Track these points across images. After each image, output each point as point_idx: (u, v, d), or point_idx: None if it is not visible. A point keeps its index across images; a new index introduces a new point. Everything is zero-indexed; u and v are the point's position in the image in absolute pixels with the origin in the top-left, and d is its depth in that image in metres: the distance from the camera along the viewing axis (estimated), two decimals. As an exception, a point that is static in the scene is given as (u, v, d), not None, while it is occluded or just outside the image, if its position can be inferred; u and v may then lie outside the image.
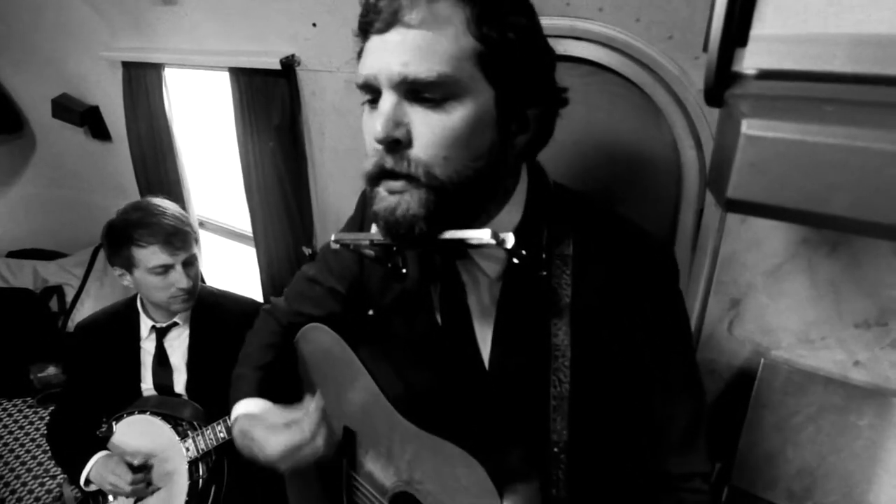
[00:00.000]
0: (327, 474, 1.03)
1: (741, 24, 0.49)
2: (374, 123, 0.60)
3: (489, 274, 0.76)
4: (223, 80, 1.80)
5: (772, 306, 1.02)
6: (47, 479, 1.96)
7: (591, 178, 1.13)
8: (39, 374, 2.42)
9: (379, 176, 0.63)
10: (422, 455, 0.82)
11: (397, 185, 0.62)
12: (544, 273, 0.72)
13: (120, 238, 1.43)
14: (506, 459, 0.72)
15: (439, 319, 0.83)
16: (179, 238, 1.43)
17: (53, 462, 1.85)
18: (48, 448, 1.95)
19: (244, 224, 2.08)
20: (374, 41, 0.61)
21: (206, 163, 2.44)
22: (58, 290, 2.61)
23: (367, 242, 0.72)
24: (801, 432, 1.02)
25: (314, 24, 1.42)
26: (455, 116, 0.60)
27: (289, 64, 1.56)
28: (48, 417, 1.68)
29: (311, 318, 1.01)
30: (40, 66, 2.53)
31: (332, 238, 0.76)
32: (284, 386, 1.04)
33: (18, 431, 2.22)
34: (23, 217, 3.08)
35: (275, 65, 1.54)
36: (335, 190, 1.74)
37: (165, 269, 1.44)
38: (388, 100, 0.60)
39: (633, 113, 1.04)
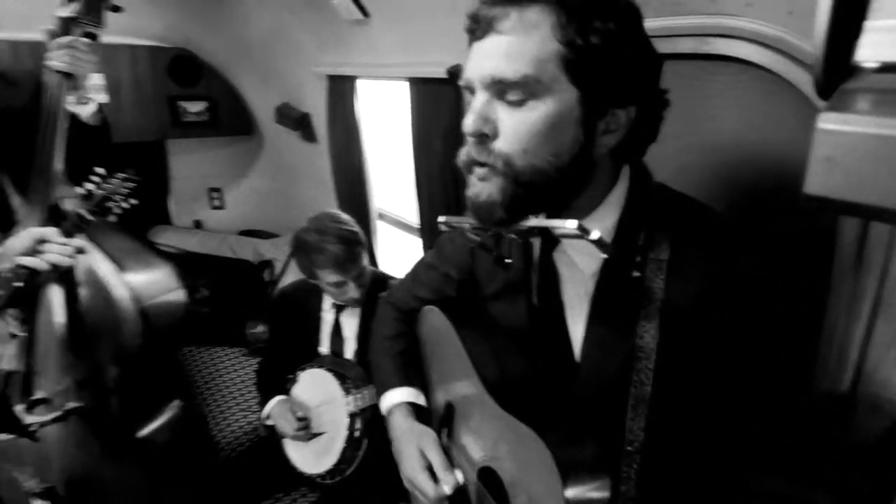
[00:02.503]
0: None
1: (854, 13, 0.46)
2: (467, 119, 0.69)
3: (583, 269, 0.80)
4: (402, 89, 2.04)
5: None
6: (249, 414, 2.42)
7: (740, 182, 1.07)
8: (251, 331, 2.89)
9: (469, 164, 0.71)
10: (504, 435, 0.88)
11: (482, 172, 0.69)
12: (637, 275, 0.74)
13: (303, 255, 1.73)
14: (579, 451, 0.75)
15: (536, 308, 0.88)
16: (349, 262, 1.68)
17: (256, 401, 2.28)
18: (253, 389, 2.41)
19: (414, 217, 2.31)
20: (474, 48, 0.70)
21: (385, 162, 2.73)
22: (269, 264, 3.15)
23: (468, 226, 0.80)
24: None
25: (477, 36, 1.55)
26: (536, 113, 0.66)
27: (455, 72, 1.71)
28: (256, 366, 2.10)
29: (426, 301, 1.11)
30: (268, 78, 3.00)
31: (440, 219, 0.84)
32: (419, 367, 1.16)
33: (233, 374, 2.72)
34: (250, 204, 3.61)
35: (442, 73, 1.71)
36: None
37: (340, 284, 1.71)
38: (479, 98, 0.68)
39: (788, 113, 0.96)
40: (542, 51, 0.64)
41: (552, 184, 0.69)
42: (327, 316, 1.91)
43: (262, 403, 1.90)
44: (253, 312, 2.95)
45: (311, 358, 1.90)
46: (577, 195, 0.75)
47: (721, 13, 0.95)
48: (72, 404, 1.53)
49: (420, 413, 1.11)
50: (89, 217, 1.34)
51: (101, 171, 1.39)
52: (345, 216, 1.79)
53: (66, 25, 1.55)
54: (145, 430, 1.84)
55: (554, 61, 0.65)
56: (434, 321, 1.08)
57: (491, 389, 0.91)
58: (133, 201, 1.46)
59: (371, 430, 1.71)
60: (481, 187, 0.70)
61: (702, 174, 1.10)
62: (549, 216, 0.73)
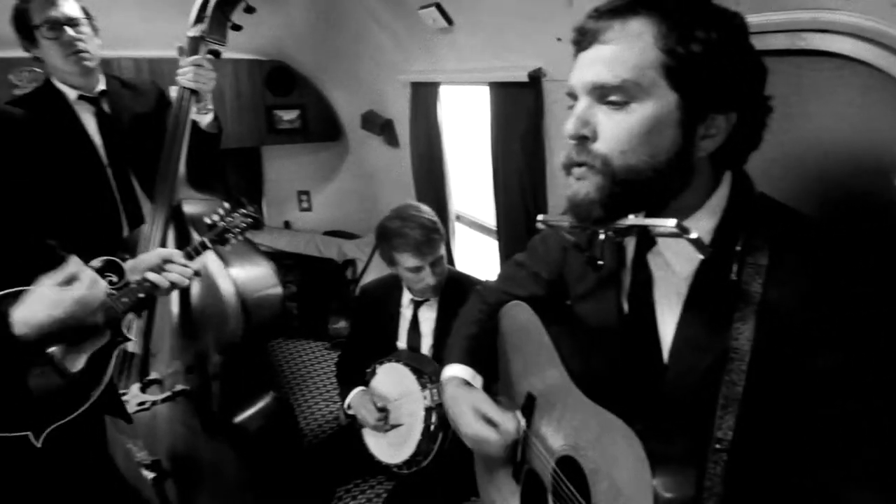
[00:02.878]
0: None
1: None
2: (568, 123, 0.73)
3: (678, 271, 0.81)
4: (482, 93, 2.09)
5: None
6: (331, 403, 2.55)
7: (840, 184, 1.02)
8: (334, 326, 3.06)
9: (569, 165, 0.75)
10: (588, 424, 0.90)
11: (580, 171, 0.73)
12: (734, 278, 0.74)
13: (384, 242, 1.82)
14: (666, 444, 0.76)
15: (626, 308, 0.90)
16: (427, 246, 1.75)
17: (337, 392, 2.40)
18: (334, 380, 2.53)
19: (490, 219, 2.35)
20: (580, 57, 0.74)
21: (464, 165, 2.79)
22: (352, 263, 3.30)
23: (566, 224, 0.83)
24: None
25: (559, 39, 1.57)
26: (634, 116, 0.68)
27: (536, 76, 1.73)
28: (337, 359, 2.22)
29: (514, 297, 1.16)
30: (355, 87, 3.16)
31: (539, 218, 0.88)
32: (487, 355, 1.22)
33: (316, 366, 2.88)
34: (335, 205, 3.78)
35: (523, 77, 1.74)
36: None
37: (417, 268, 1.78)
38: (581, 104, 0.73)
39: (891, 111, 0.90)
40: (643, 58, 0.68)
41: (649, 183, 0.71)
42: (406, 312, 1.99)
43: (342, 395, 2.01)
44: (336, 308, 3.11)
45: (388, 352, 1.98)
46: (675, 197, 0.76)
47: (818, 7, 0.92)
48: (180, 386, 1.70)
49: None
50: (210, 245, 1.49)
51: (226, 205, 1.55)
52: (425, 207, 1.88)
53: (195, 44, 1.76)
54: (241, 416, 2.00)
55: (654, 68, 0.68)
56: (520, 316, 1.12)
57: (578, 382, 0.94)
58: (248, 234, 1.61)
59: (446, 424, 1.76)
60: (580, 186, 0.74)
61: (798, 175, 1.06)
62: (647, 216, 0.75)
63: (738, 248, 0.74)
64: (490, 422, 1.06)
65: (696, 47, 0.66)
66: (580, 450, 0.92)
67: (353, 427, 1.99)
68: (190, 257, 1.42)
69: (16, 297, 1.01)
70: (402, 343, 2.00)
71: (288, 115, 3.26)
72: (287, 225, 3.77)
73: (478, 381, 1.19)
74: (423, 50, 2.34)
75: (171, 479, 1.74)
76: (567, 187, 0.76)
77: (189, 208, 1.87)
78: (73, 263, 1.06)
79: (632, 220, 0.74)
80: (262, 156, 3.61)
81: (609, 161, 0.70)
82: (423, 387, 1.78)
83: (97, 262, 1.13)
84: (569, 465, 0.95)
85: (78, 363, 1.12)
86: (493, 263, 2.37)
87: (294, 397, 2.62)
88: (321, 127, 3.40)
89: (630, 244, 0.89)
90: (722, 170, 0.78)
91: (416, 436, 1.77)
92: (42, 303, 1.00)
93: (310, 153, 3.65)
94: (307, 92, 3.29)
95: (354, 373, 2.02)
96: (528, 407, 1.09)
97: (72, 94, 1.77)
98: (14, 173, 1.24)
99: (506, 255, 2.22)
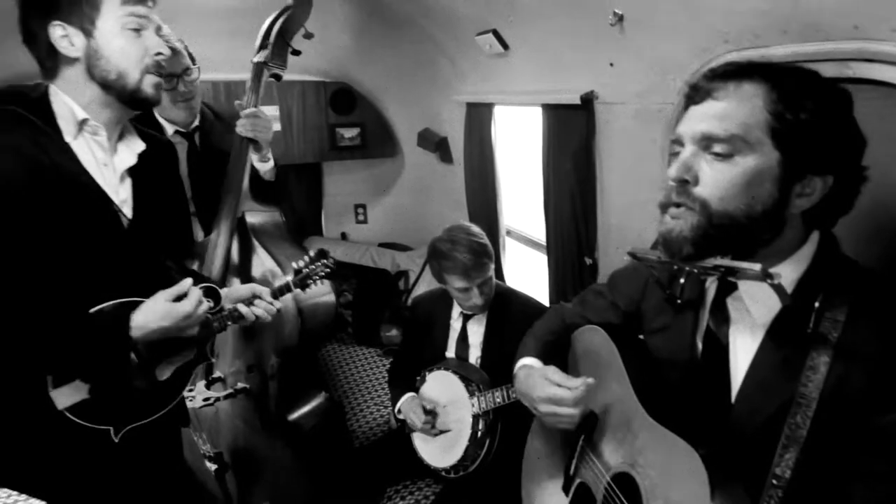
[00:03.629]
0: (567, 442, 1.23)
1: None
2: (672, 167, 0.81)
3: (756, 317, 0.86)
4: (534, 114, 2.16)
5: None
6: (381, 408, 2.64)
7: (886, 206, 1.03)
8: (386, 334, 3.17)
9: (667, 205, 0.83)
10: (651, 444, 0.95)
11: (677, 211, 0.81)
12: (810, 330, 0.78)
13: (434, 261, 1.91)
14: (727, 475, 0.81)
15: (700, 347, 0.96)
16: (475, 270, 1.83)
17: (388, 397, 2.50)
18: (385, 386, 2.64)
19: (540, 234, 2.41)
20: (691, 110, 0.84)
21: (515, 182, 2.87)
22: (405, 274, 3.41)
23: (655, 258, 0.90)
24: None
25: (611, 64, 1.63)
26: (737, 168, 0.77)
27: (588, 98, 1.80)
28: (389, 365, 2.31)
29: (588, 321, 1.23)
30: (412, 106, 3.30)
31: (628, 250, 0.96)
32: (556, 360, 1.25)
33: (369, 371, 2.99)
34: (391, 218, 3.94)
35: (576, 100, 1.81)
36: (619, 207, 1.90)
37: (465, 289, 1.86)
38: (687, 150, 0.81)
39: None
40: (752, 117, 0.76)
41: (741, 230, 0.78)
42: (455, 324, 2.07)
43: (393, 400, 2.10)
44: (388, 317, 3.22)
45: (438, 361, 2.06)
46: (764, 245, 0.82)
47: (865, 38, 0.95)
48: (241, 385, 1.82)
49: None
50: (293, 288, 1.63)
51: (311, 254, 1.69)
52: (476, 228, 1.95)
53: (259, 69, 1.89)
54: (295, 415, 2.12)
55: (761, 128, 0.76)
56: (595, 339, 1.19)
57: (646, 406, 0.99)
58: (326, 281, 1.76)
59: (494, 431, 1.83)
60: (674, 224, 0.81)
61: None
62: (734, 260, 0.81)
63: (818, 303, 0.79)
64: (559, 385, 1.09)
65: (803, 115, 0.74)
66: (639, 467, 0.97)
67: (402, 431, 2.07)
68: (275, 296, 1.56)
69: (135, 305, 1.17)
70: (451, 353, 2.08)
71: (349, 133, 3.44)
72: (344, 236, 3.94)
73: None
74: (479, 72, 2.45)
75: (232, 472, 1.86)
76: (661, 224, 0.83)
77: (252, 219, 2.03)
78: (185, 283, 1.22)
79: (719, 260, 0.80)
80: (323, 171, 3.81)
81: (707, 205, 0.78)
82: (472, 394, 1.85)
83: (200, 287, 1.28)
84: (624, 482, 1.00)
85: (166, 373, 1.28)
86: (542, 278, 2.43)
87: (347, 400, 2.74)
88: (379, 144, 3.56)
89: (712, 286, 0.95)
90: (812, 228, 0.84)
91: (463, 441, 1.83)
92: (156, 313, 1.16)
93: (367, 168, 3.82)
94: (367, 111, 3.46)
95: (405, 379, 2.11)
96: (588, 425, 1.16)
97: (170, 128, 1.95)
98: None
99: (555, 269, 2.27)
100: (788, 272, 0.82)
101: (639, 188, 1.74)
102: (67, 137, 1.13)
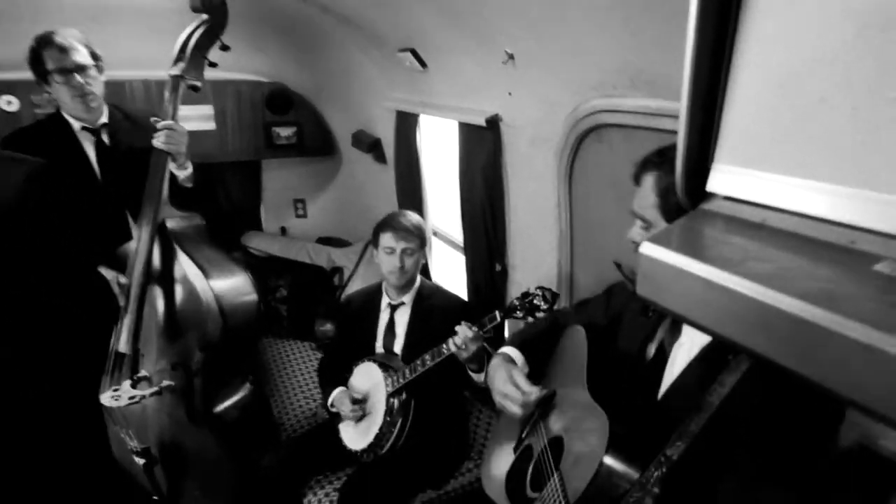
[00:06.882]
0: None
1: (700, 155, 0.57)
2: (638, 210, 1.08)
3: (698, 341, 1.10)
4: (454, 127, 2.32)
5: None
6: (311, 401, 2.74)
7: None
8: (320, 328, 3.26)
9: (638, 240, 1.07)
10: (582, 415, 1.19)
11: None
12: (730, 357, 1.01)
13: (377, 228, 2.10)
14: (623, 446, 1.03)
15: (650, 353, 1.20)
16: (406, 234, 2.04)
17: (318, 390, 2.58)
18: (316, 379, 2.74)
19: (459, 236, 2.58)
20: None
21: (440, 186, 3.01)
22: (339, 270, 3.50)
23: (629, 273, 1.16)
24: None
25: (510, 94, 1.81)
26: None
27: (493, 121, 1.97)
28: (319, 360, 2.41)
29: (581, 317, 1.46)
30: (347, 108, 3.40)
31: (614, 260, 1.22)
32: (536, 352, 1.50)
33: (302, 365, 3.08)
34: (328, 213, 4.02)
35: (482, 122, 1.98)
36: (524, 219, 2.09)
37: (391, 250, 2.03)
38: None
39: None
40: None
41: None
42: (383, 315, 2.22)
43: (324, 395, 2.21)
44: (323, 312, 3.32)
45: (368, 354, 2.19)
46: None
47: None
48: (166, 382, 1.90)
49: None
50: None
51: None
52: (418, 216, 2.18)
53: (176, 81, 1.93)
54: (220, 407, 2.18)
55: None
56: (575, 336, 1.42)
57: (592, 390, 1.22)
58: (248, 280, 2.00)
59: (406, 411, 1.98)
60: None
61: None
62: None
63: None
64: (516, 386, 1.32)
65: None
66: (570, 432, 1.21)
67: (330, 423, 2.19)
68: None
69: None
70: (379, 342, 2.21)
71: (285, 132, 3.49)
72: (283, 230, 4.00)
73: (520, 360, 1.46)
74: (406, 82, 2.58)
75: (161, 466, 1.93)
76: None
77: (172, 224, 2.10)
78: None
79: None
80: (262, 167, 3.85)
81: None
82: (387, 377, 2.00)
83: None
84: (558, 445, 1.23)
85: None
86: (462, 276, 2.60)
87: (278, 392, 2.83)
88: (316, 143, 3.63)
89: None
90: None
91: (378, 420, 1.97)
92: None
93: (306, 165, 3.88)
94: (303, 111, 3.52)
95: (336, 373, 2.23)
96: (548, 397, 1.38)
97: (76, 125, 2.01)
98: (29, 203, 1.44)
99: (471, 271, 2.45)
100: None
101: (536, 204, 1.94)
102: None
